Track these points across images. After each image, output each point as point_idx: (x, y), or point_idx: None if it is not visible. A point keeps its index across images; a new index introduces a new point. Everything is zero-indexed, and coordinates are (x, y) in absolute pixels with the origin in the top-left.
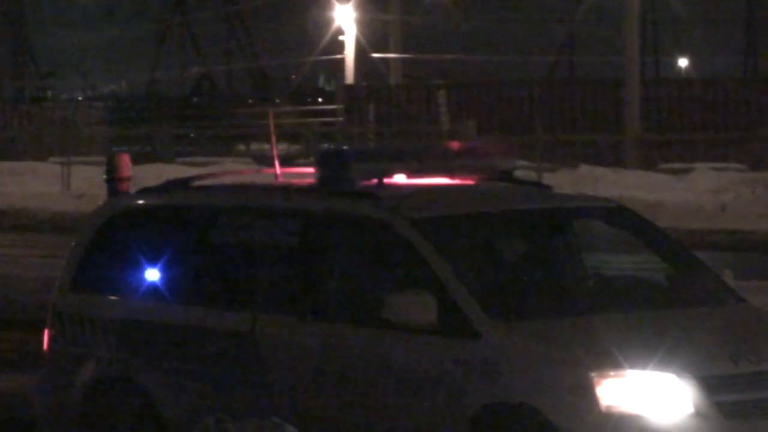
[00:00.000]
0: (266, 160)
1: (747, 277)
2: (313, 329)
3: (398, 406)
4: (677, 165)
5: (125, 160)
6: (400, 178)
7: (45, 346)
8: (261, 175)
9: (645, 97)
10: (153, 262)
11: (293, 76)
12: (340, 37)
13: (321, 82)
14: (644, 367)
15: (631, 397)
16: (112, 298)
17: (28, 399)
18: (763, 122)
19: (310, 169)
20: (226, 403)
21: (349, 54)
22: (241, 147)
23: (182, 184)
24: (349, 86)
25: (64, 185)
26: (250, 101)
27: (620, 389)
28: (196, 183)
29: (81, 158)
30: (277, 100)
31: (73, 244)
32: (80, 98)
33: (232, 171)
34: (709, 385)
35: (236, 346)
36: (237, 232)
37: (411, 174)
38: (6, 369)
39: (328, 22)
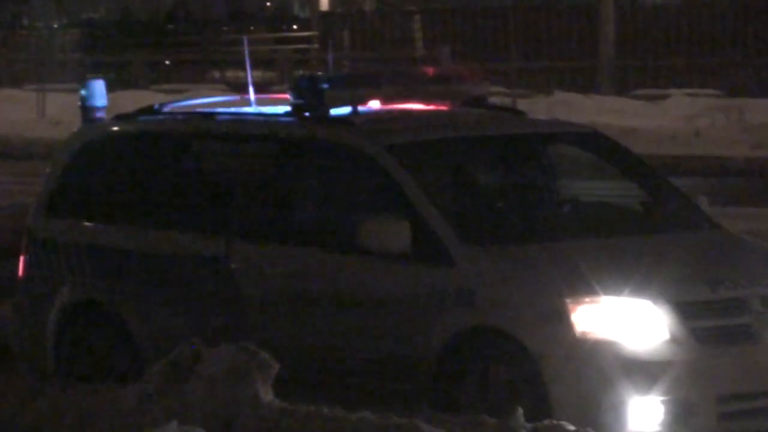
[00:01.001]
0: (241, 87)
1: (722, 203)
2: (287, 255)
3: (372, 332)
4: (652, 91)
5: (100, 87)
6: (374, 104)
7: (20, 272)
8: (237, 102)
9: (620, 23)
10: (127, 188)
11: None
12: None
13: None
14: (619, 293)
15: (606, 323)
16: (87, 223)
17: (3, 325)
18: (739, 48)
19: (285, 96)
20: (200, 329)
21: None
22: (216, 74)
23: (155, 110)
24: (324, 13)
25: (39, 112)
26: (225, 28)
27: (595, 315)
28: (169, 109)
29: (56, 85)
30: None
31: (48, 170)
32: (56, 25)
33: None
34: (685, 311)
35: (210, 272)
36: (211, 158)
37: (385, 100)
38: None
39: None
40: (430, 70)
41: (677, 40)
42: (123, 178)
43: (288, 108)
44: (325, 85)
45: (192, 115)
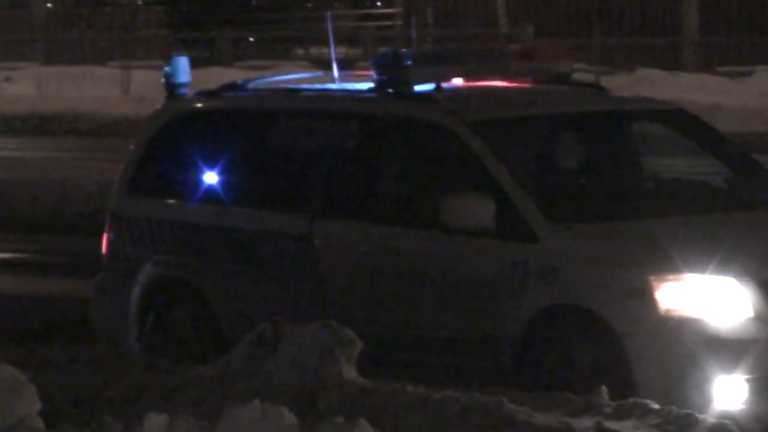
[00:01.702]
0: (325, 64)
1: None
2: (370, 232)
3: (455, 309)
4: (736, 68)
5: (184, 64)
6: (457, 82)
7: (103, 249)
8: (321, 78)
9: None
10: (211, 166)
11: None
12: None
13: None
14: (703, 270)
15: (690, 301)
16: (170, 201)
17: (86, 303)
18: None
19: (368, 73)
20: (284, 307)
21: None
22: (300, 51)
23: (239, 86)
24: None
25: (123, 90)
26: (309, 5)
27: (679, 293)
28: (253, 85)
29: (140, 62)
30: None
31: (131, 147)
32: (140, 2)
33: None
34: None
35: (294, 250)
36: (294, 135)
37: (469, 77)
38: (63, 274)
39: None
40: (513, 47)
41: (761, 16)
42: (206, 155)
43: (371, 85)
44: (409, 62)
45: (275, 92)
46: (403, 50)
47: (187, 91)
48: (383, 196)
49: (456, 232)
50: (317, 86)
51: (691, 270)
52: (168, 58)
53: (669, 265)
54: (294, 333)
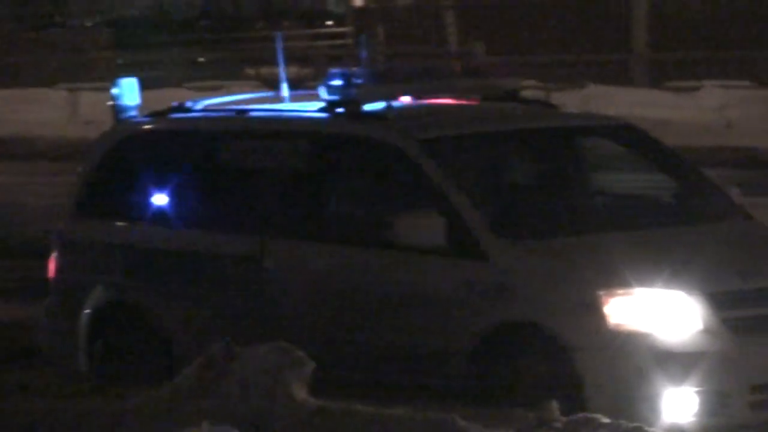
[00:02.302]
0: (275, 84)
1: (754, 193)
2: (321, 252)
3: (407, 327)
4: (684, 83)
5: (132, 86)
6: (407, 100)
7: (51, 273)
8: (271, 98)
9: (653, 15)
10: (160, 188)
11: None
12: None
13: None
14: (652, 284)
15: (640, 315)
16: (120, 223)
17: (32, 328)
18: None
19: (319, 92)
20: (235, 328)
21: None
22: (250, 71)
23: (188, 107)
24: (358, 8)
25: (71, 112)
26: (259, 24)
27: (628, 307)
28: (202, 106)
29: (88, 84)
30: (287, 23)
31: (79, 170)
32: (89, 24)
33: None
34: (717, 301)
35: (244, 271)
36: (244, 156)
37: (418, 95)
38: (8, 298)
39: None
40: (462, 65)
41: (710, 31)
42: (155, 177)
43: (321, 104)
44: (358, 81)
45: (224, 112)
46: (353, 69)
47: (136, 113)
48: (334, 216)
49: (407, 250)
50: (266, 106)
51: (641, 284)
52: (115, 80)
53: (618, 280)
54: (245, 354)
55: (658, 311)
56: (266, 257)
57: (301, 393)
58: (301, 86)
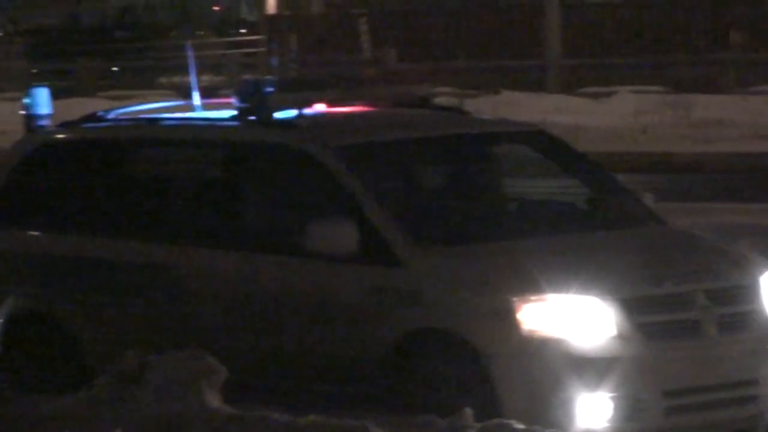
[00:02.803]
0: (188, 93)
1: (668, 199)
2: (233, 260)
3: (321, 334)
4: (598, 89)
5: (44, 95)
6: (319, 108)
7: None
8: (183, 107)
9: (566, 21)
10: (73, 197)
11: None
12: None
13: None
14: (566, 290)
15: (553, 321)
16: (33, 233)
17: None
18: (684, 44)
19: (231, 100)
20: (147, 337)
21: None
22: (163, 80)
23: (99, 117)
24: (271, 16)
25: None
26: (172, 33)
27: (542, 313)
28: (114, 116)
29: (1, 94)
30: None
31: None
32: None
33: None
34: (631, 306)
35: (157, 279)
36: (156, 164)
37: (331, 103)
38: None
39: None
40: (375, 72)
41: (623, 38)
42: (67, 186)
43: (234, 112)
44: (270, 89)
45: (136, 121)
46: (265, 77)
47: (48, 123)
48: (247, 224)
49: (320, 257)
50: (178, 115)
51: (554, 290)
52: (28, 90)
53: (532, 286)
54: (158, 362)
55: (572, 317)
56: (179, 265)
57: (215, 400)
58: (214, 94)
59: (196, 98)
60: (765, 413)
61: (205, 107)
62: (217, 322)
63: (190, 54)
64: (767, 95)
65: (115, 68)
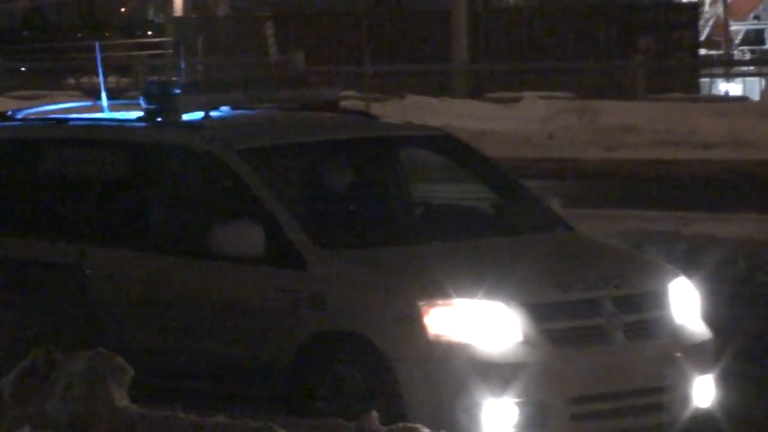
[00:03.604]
0: (96, 93)
1: (575, 205)
2: (140, 261)
3: (227, 337)
4: (505, 94)
5: None
6: (226, 110)
7: None
8: (91, 107)
9: (473, 26)
10: None
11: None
12: None
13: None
14: (472, 295)
15: (459, 326)
16: None
17: None
18: (590, 51)
19: (138, 101)
20: (55, 337)
21: None
22: (71, 80)
23: (8, 116)
24: (178, 18)
25: None
26: (80, 34)
27: (448, 318)
28: (22, 115)
29: None
30: (107, 33)
31: None
32: None
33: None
34: (537, 312)
35: (64, 279)
36: (64, 164)
37: (237, 105)
38: None
39: None
40: (282, 75)
41: (529, 44)
42: None
43: (140, 113)
44: (177, 91)
45: (44, 121)
46: (173, 79)
47: None
48: (154, 225)
49: (226, 259)
50: (86, 115)
51: (460, 295)
52: None
53: (438, 291)
54: (66, 362)
55: (478, 322)
56: (87, 265)
57: (122, 400)
58: (121, 96)
59: (104, 99)
60: (673, 422)
61: (113, 108)
62: (127, 323)
63: (98, 55)
64: (674, 102)
65: (23, 68)
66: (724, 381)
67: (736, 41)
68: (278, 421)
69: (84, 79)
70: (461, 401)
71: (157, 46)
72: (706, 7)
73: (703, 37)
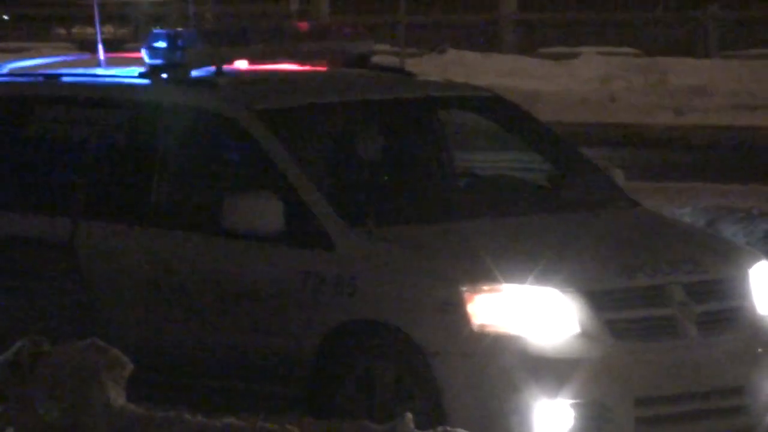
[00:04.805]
0: (90, 45)
1: (640, 177)
2: (142, 238)
3: (241, 326)
4: (561, 49)
5: None
6: (242, 65)
7: None
8: (85, 61)
9: None
10: None
11: None
12: None
13: None
14: (523, 280)
15: (508, 315)
16: None
17: None
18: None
19: (139, 55)
20: (43, 324)
21: None
22: (62, 31)
23: None
24: None
25: None
26: None
27: (495, 306)
28: (7, 70)
29: None
30: None
31: None
32: None
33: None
34: (598, 300)
35: (55, 258)
36: (55, 127)
37: (255, 59)
38: None
39: None
40: (305, 26)
41: None
42: None
43: (143, 69)
44: (186, 43)
45: (33, 77)
46: (179, 29)
47: None
48: (159, 196)
49: (240, 237)
50: (81, 71)
51: (509, 279)
52: None
53: (483, 274)
54: (55, 353)
55: (530, 311)
56: (80, 243)
57: (119, 398)
58: (119, 48)
59: (101, 52)
60: (754, 427)
61: (111, 62)
62: (125, 310)
63: (96, 2)
64: (754, 59)
65: (5, 16)
66: None
67: None
68: (297, 423)
69: (76, 30)
70: (509, 402)
71: None
72: None
73: None
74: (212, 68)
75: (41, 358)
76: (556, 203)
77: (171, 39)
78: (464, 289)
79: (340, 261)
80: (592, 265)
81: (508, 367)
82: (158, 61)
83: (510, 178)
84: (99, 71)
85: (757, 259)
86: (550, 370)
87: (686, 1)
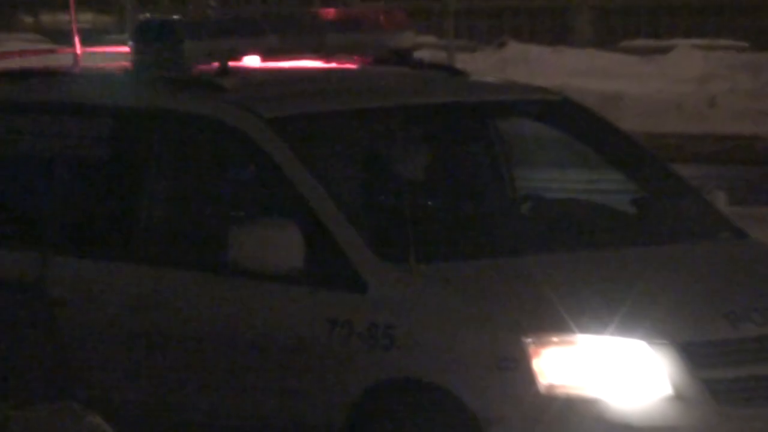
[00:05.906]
0: (62, 37)
1: (747, 201)
2: (129, 276)
3: (248, 386)
4: (648, 42)
5: None
6: (252, 61)
7: None
8: (57, 56)
9: None
10: None
11: None
12: None
13: None
14: (602, 330)
15: (583, 374)
16: None
17: None
18: None
19: (125, 49)
20: (8, 383)
21: None
22: (28, 19)
23: None
24: None
25: None
26: None
27: (567, 362)
28: None
29: None
30: None
31: None
32: None
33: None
34: (696, 355)
35: (21, 302)
36: (21, 138)
37: (268, 55)
38: None
39: None
40: (332, 13)
41: None
42: None
43: (130, 66)
44: (183, 34)
45: None
46: (175, 17)
47: None
48: (148, 226)
49: (249, 276)
50: (53, 68)
51: (584, 329)
52: None
53: (552, 323)
54: (22, 418)
55: (610, 368)
56: (51, 282)
57: None
58: (100, 40)
59: (77, 44)
60: None
61: (90, 58)
62: (105, 365)
63: None
64: None
65: None
66: None
67: None
68: None
69: (44, 17)
70: None
71: None
72: None
73: None
74: (215, 66)
75: (7, 423)
76: (643, 234)
77: (164, 29)
78: (528, 341)
79: (374, 306)
80: (688, 312)
81: None
82: (149, 57)
83: (584, 202)
84: (76, 69)
85: None
86: None
87: None
